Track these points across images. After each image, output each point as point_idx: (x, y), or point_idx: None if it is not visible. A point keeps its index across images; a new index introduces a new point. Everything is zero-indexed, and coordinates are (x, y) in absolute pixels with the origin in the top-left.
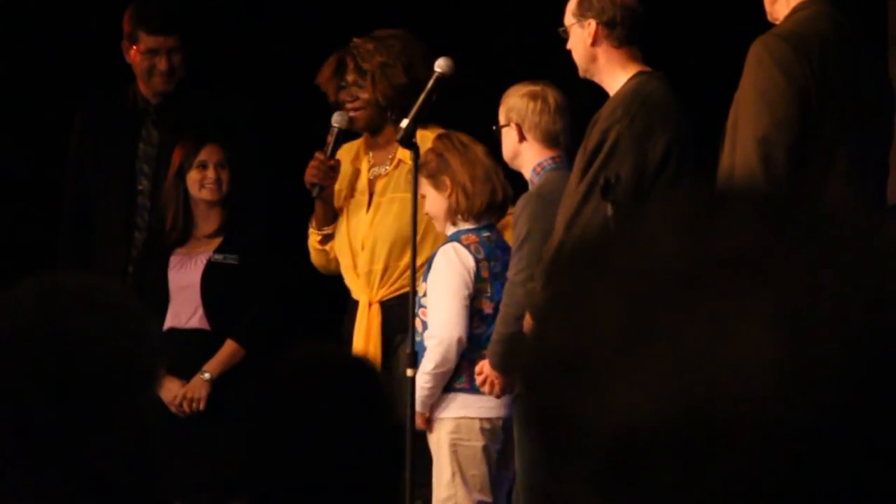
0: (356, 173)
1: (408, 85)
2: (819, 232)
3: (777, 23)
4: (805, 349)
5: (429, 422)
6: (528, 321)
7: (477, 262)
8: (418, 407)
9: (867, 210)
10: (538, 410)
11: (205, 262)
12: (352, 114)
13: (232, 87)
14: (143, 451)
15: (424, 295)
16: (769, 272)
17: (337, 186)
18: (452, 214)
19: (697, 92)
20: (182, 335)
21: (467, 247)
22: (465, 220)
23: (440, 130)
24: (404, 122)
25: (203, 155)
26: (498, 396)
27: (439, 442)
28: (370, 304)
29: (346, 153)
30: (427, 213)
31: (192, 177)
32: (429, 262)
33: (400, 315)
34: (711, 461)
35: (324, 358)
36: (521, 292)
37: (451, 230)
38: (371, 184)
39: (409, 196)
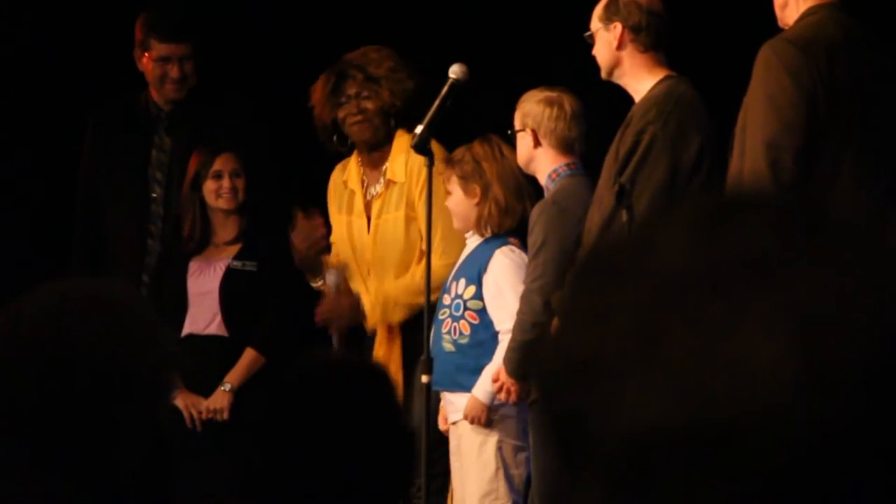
0: (352, 195)
1: (414, 90)
2: (830, 236)
3: (787, 28)
4: (818, 353)
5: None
6: (555, 326)
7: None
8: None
9: (877, 213)
10: (554, 415)
11: (224, 268)
12: (355, 129)
13: (244, 94)
14: (158, 460)
15: (472, 298)
16: (782, 276)
17: (336, 210)
18: (482, 225)
19: (718, 96)
20: (200, 341)
21: (519, 248)
22: (488, 231)
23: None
24: (419, 129)
25: (218, 164)
26: (514, 403)
27: (484, 439)
28: (390, 329)
29: (339, 173)
30: (448, 206)
31: (209, 186)
32: (465, 268)
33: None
34: (727, 465)
35: (336, 364)
36: (537, 299)
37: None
38: (368, 206)
39: (401, 215)
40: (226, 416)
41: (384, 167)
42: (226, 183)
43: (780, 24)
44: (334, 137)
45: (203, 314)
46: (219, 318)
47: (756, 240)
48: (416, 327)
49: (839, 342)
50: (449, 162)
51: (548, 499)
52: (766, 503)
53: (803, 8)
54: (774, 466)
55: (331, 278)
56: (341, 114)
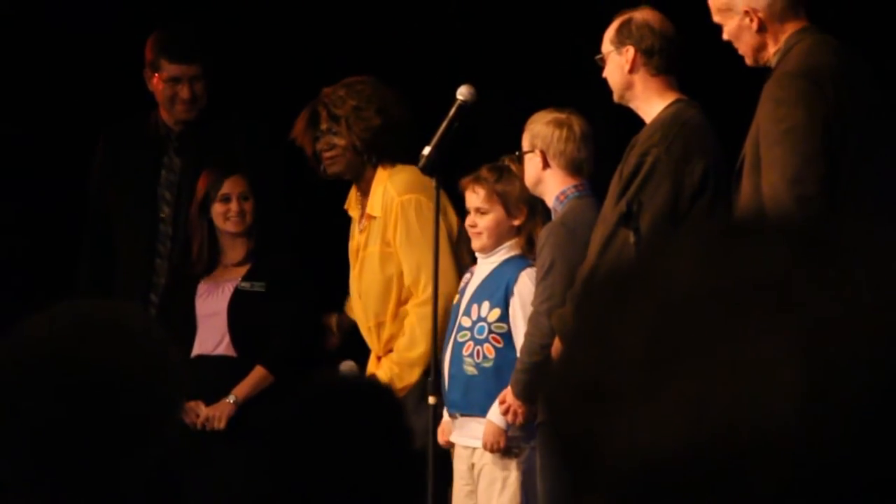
0: (354, 222)
1: (382, 127)
2: (844, 260)
3: (770, 65)
4: (829, 379)
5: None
6: (556, 346)
7: None
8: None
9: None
10: (562, 438)
11: (232, 290)
12: (329, 163)
13: (254, 114)
14: (166, 477)
15: (497, 321)
16: (793, 301)
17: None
18: (535, 245)
19: (729, 121)
20: (209, 362)
21: None
22: (518, 251)
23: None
24: (426, 150)
25: (226, 187)
26: (520, 425)
27: (508, 472)
28: (378, 358)
29: (350, 203)
30: (479, 226)
31: (217, 209)
32: (487, 290)
33: None
34: (735, 491)
35: (345, 384)
36: (545, 322)
37: (498, 254)
38: (360, 238)
39: (376, 250)
40: (222, 425)
41: (367, 201)
42: (234, 206)
43: (760, 63)
44: (321, 167)
45: (212, 335)
46: (227, 339)
47: (763, 263)
48: None
49: (847, 367)
50: (482, 179)
51: None
52: None
53: (782, 39)
54: (783, 490)
55: (344, 367)
56: (319, 147)
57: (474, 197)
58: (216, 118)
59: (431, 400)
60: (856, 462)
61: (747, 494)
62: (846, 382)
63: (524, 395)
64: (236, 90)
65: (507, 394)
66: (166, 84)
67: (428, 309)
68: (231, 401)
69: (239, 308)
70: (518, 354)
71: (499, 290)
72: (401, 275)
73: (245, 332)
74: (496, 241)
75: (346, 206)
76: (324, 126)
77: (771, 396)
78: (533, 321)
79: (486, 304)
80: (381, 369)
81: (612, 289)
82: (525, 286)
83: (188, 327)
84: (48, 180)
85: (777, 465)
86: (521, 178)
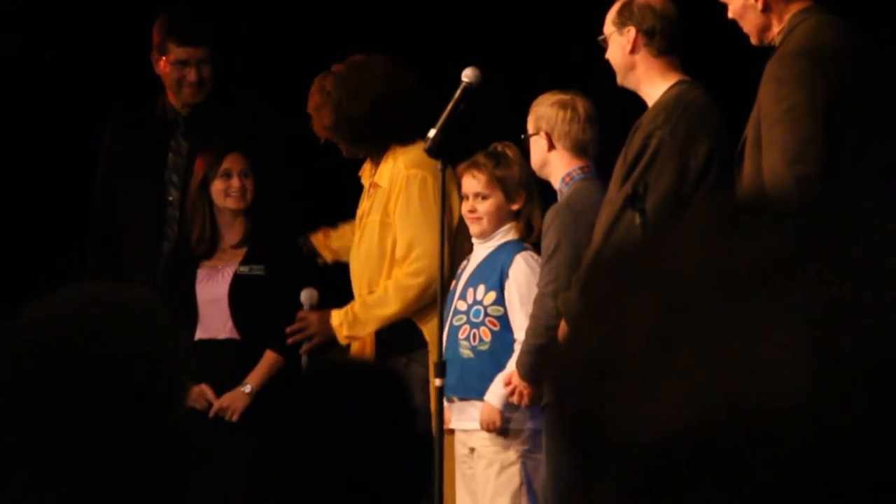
0: (365, 192)
1: (390, 101)
2: (850, 238)
3: (775, 45)
4: (833, 355)
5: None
6: (562, 328)
7: None
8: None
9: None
10: (569, 418)
11: (231, 274)
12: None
13: (259, 97)
14: (174, 462)
15: (493, 304)
16: (798, 279)
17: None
18: (534, 230)
19: (732, 102)
20: (214, 346)
21: (537, 254)
22: (535, 236)
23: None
24: (432, 132)
25: (227, 164)
26: (526, 407)
27: (507, 455)
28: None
29: (364, 171)
30: (479, 211)
31: (217, 186)
32: (483, 273)
33: (394, 338)
34: (743, 467)
35: (351, 367)
36: (551, 303)
37: (495, 238)
38: (366, 204)
39: (377, 219)
40: (235, 417)
41: (376, 170)
42: (235, 182)
43: (765, 43)
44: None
45: (214, 321)
46: (230, 324)
47: (772, 243)
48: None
49: (853, 345)
50: (481, 165)
51: (561, 500)
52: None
53: (786, 18)
54: (789, 467)
55: (304, 296)
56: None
57: (473, 182)
58: (223, 101)
59: (438, 382)
60: (865, 436)
61: (755, 473)
62: (855, 361)
63: (530, 376)
64: (243, 73)
65: (513, 375)
66: (173, 67)
67: (410, 281)
68: (247, 391)
69: (239, 293)
70: (516, 336)
71: (494, 273)
72: (394, 246)
73: (248, 317)
74: (495, 226)
75: (359, 173)
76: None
77: (780, 375)
78: (538, 303)
79: (481, 288)
80: (337, 311)
81: (619, 269)
82: (520, 269)
83: (188, 311)
84: (56, 165)
85: (785, 445)
86: (518, 163)
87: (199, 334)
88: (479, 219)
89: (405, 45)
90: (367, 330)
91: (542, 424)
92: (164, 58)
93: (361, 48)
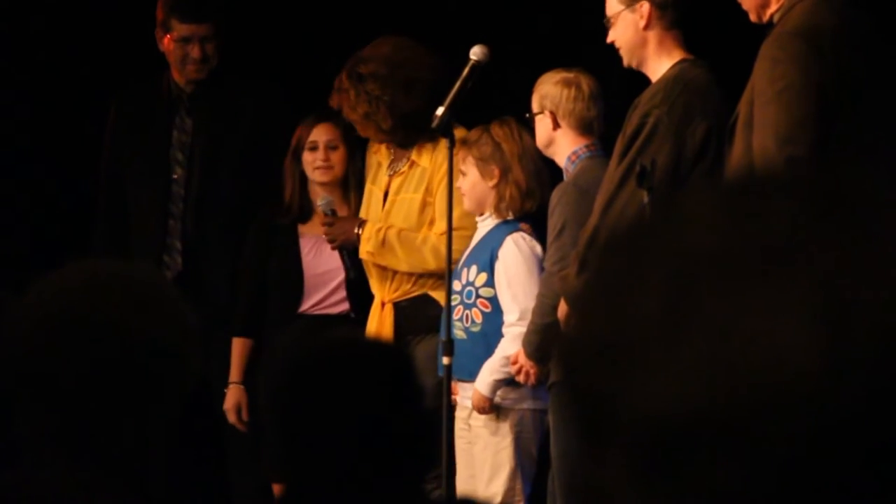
0: (378, 167)
1: (395, 125)
2: (859, 218)
3: (774, 22)
4: (844, 334)
5: (492, 407)
6: (561, 307)
7: (542, 249)
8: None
9: None
10: (577, 396)
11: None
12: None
13: (265, 74)
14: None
15: (484, 285)
16: (808, 258)
17: (370, 180)
18: (502, 207)
19: (735, 81)
20: (333, 321)
21: (530, 235)
22: (509, 214)
23: (463, 131)
24: (439, 111)
25: (314, 134)
26: (533, 386)
27: (500, 432)
28: (383, 304)
29: (373, 144)
30: (459, 188)
31: (305, 158)
32: (476, 254)
33: (413, 317)
34: (751, 445)
35: (355, 345)
36: (558, 283)
37: (491, 218)
38: (389, 180)
39: (418, 197)
40: (245, 416)
41: (412, 149)
42: (320, 155)
43: (763, 20)
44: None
45: (329, 294)
46: (345, 297)
47: (783, 221)
48: (409, 308)
49: (865, 324)
50: (465, 143)
51: (569, 479)
52: (790, 483)
53: None
54: (798, 447)
55: (322, 203)
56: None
57: (457, 160)
58: (228, 79)
59: (446, 360)
60: (875, 417)
61: (764, 449)
62: (867, 337)
63: (536, 355)
64: (248, 50)
65: (520, 354)
66: (177, 44)
67: (442, 244)
68: (241, 387)
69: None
70: (504, 319)
71: (484, 253)
72: (432, 222)
73: (359, 289)
74: (476, 204)
75: (371, 150)
76: (365, 88)
77: (791, 352)
78: (545, 282)
79: (474, 268)
80: (372, 223)
81: (624, 245)
82: (509, 250)
83: (293, 282)
84: (61, 143)
85: (794, 420)
86: (493, 143)
87: (314, 308)
88: (464, 195)
89: (414, 22)
90: (387, 260)
91: (539, 405)
92: (167, 35)
93: (369, 27)
